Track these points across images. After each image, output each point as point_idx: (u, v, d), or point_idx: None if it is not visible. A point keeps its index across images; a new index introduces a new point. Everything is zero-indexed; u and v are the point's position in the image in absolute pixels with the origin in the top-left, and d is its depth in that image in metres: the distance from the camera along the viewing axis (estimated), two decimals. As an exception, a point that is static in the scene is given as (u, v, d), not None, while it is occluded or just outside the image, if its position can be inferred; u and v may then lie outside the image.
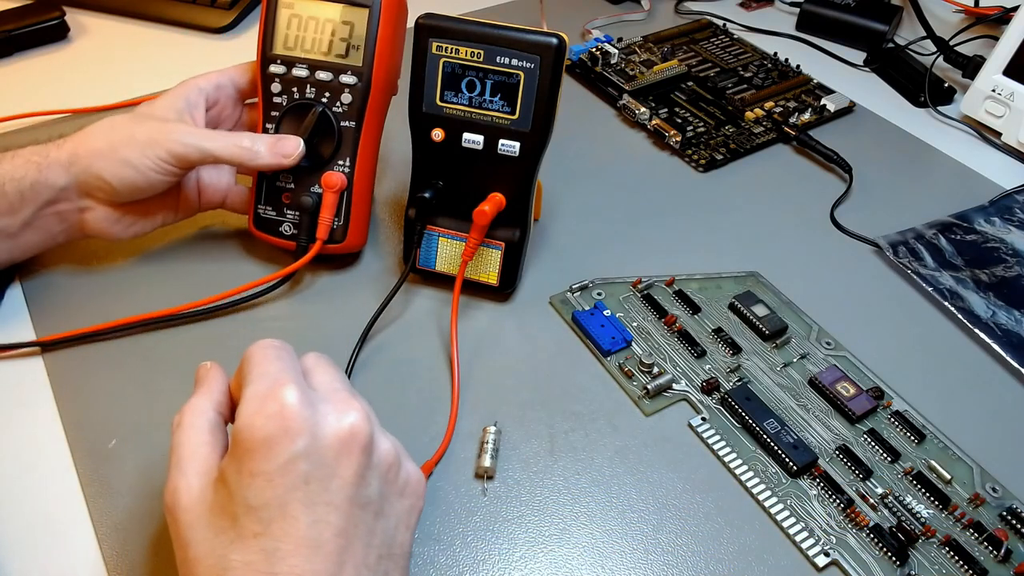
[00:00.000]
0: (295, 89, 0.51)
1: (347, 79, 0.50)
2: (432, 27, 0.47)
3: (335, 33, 0.50)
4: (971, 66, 0.72)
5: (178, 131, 0.47)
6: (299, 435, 0.30)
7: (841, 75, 0.76)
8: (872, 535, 0.40)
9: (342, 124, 0.50)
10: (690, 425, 0.46)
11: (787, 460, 0.43)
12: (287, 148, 0.49)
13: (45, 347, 0.48)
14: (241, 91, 0.53)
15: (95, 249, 0.54)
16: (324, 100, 0.50)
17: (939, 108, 0.72)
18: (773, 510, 0.42)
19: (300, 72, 0.50)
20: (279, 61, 0.51)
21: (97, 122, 0.48)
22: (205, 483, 0.32)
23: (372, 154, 0.52)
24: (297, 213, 0.51)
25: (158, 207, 0.51)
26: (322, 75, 0.50)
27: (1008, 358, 0.50)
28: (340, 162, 0.51)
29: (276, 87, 0.51)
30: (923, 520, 0.41)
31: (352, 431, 0.32)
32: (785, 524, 0.41)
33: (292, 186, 0.51)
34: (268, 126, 0.51)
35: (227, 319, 0.50)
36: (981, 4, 0.75)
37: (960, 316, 0.52)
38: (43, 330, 0.49)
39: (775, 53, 0.77)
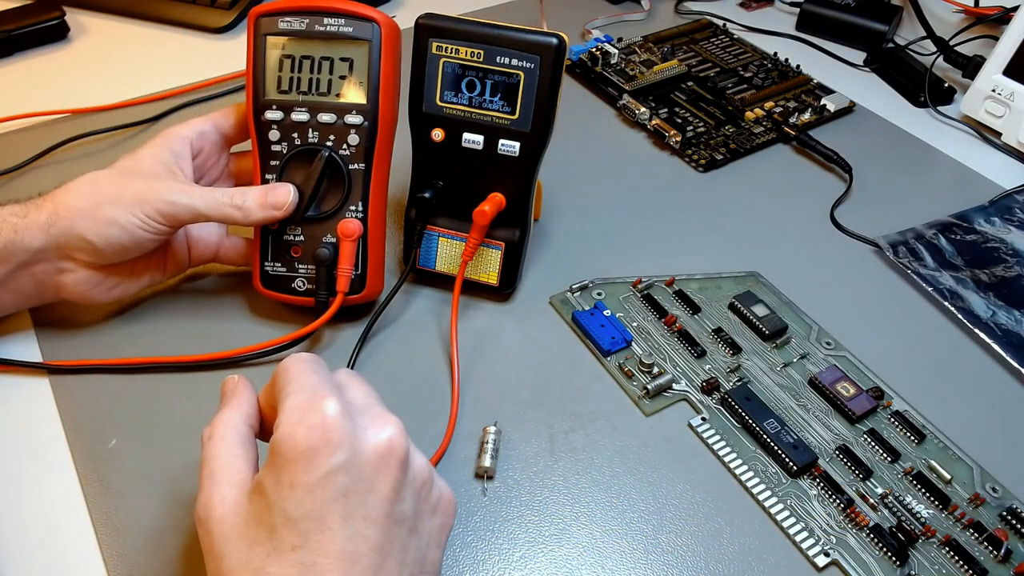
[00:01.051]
0: (296, 135, 0.47)
1: (352, 119, 0.47)
2: (432, 27, 0.47)
3: (334, 71, 0.47)
4: (971, 66, 0.72)
5: (166, 189, 0.44)
6: (340, 448, 0.30)
7: (841, 75, 0.76)
8: (872, 535, 0.40)
9: (351, 167, 0.47)
10: (690, 425, 0.46)
11: (787, 460, 0.43)
12: (278, 199, 0.46)
13: (52, 370, 0.47)
14: (226, 137, 0.50)
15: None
16: (329, 143, 0.47)
17: (939, 108, 0.72)
18: (773, 510, 0.42)
19: (300, 116, 0.47)
20: (275, 106, 0.47)
21: (78, 178, 0.45)
22: (239, 494, 0.31)
23: (384, 196, 0.49)
24: (310, 267, 0.48)
25: (143, 267, 0.48)
26: (325, 117, 0.47)
27: (1008, 358, 0.50)
28: (352, 208, 0.48)
29: (274, 134, 0.47)
30: (923, 520, 0.41)
31: (390, 446, 0.32)
32: (785, 524, 0.41)
33: (302, 238, 0.48)
34: (269, 176, 0.48)
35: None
36: (981, 4, 0.75)
37: (960, 316, 0.52)
38: (47, 346, 0.49)
39: (775, 53, 0.77)
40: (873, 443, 0.44)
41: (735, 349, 0.49)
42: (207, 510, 0.31)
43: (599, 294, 0.53)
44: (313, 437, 0.30)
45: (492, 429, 0.44)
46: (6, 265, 0.44)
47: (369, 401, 0.34)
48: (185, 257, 0.50)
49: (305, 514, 0.30)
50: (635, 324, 0.51)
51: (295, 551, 0.29)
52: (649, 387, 0.46)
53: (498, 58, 0.46)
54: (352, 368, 0.47)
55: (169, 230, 0.45)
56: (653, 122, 0.67)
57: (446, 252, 0.52)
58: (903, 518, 0.41)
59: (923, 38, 0.78)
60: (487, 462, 0.42)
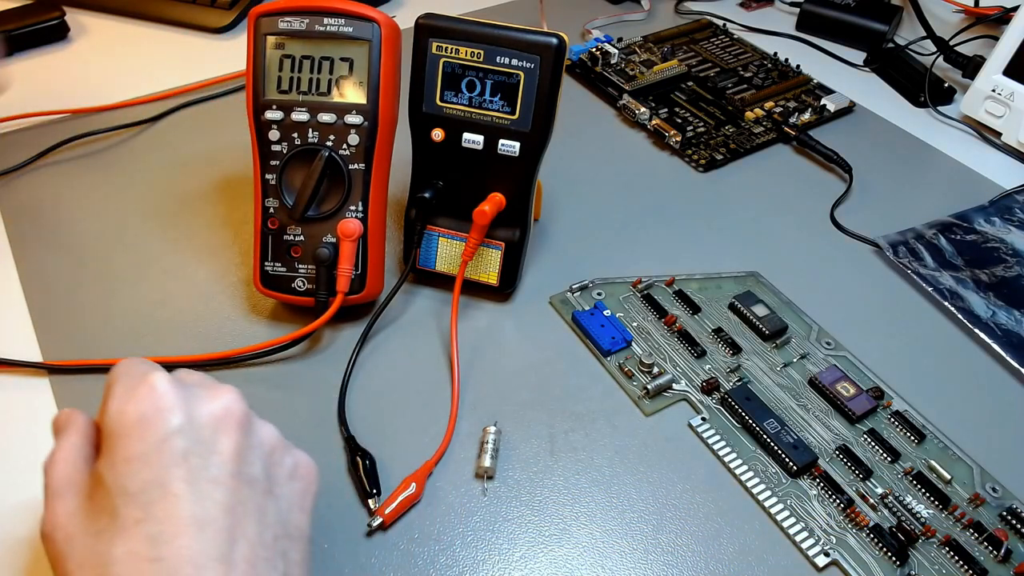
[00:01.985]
0: (296, 135, 0.47)
1: (352, 119, 0.47)
2: (432, 27, 0.47)
3: (334, 71, 0.47)
4: (971, 66, 0.72)
5: None
6: (172, 412, 0.29)
7: (841, 75, 0.76)
8: (872, 535, 0.40)
9: (351, 167, 0.47)
10: (690, 425, 0.46)
11: (787, 460, 0.43)
12: None
13: (52, 370, 0.47)
14: None
15: (108, 279, 0.54)
16: (329, 143, 0.47)
17: (939, 108, 0.72)
18: (773, 510, 0.42)
19: (300, 116, 0.47)
20: (275, 106, 0.47)
21: None
22: (81, 499, 0.30)
23: (384, 196, 0.49)
24: (310, 267, 0.48)
25: None
26: (325, 117, 0.47)
27: (1008, 358, 0.50)
28: (352, 208, 0.48)
29: (274, 134, 0.47)
30: (923, 520, 0.41)
31: (227, 409, 0.31)
32: (785, 524, 0.41)
33: (302, 238, 0.48)
34: (268, 176, 0.48)
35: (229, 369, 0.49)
36: (981, 4, 0.75)
37: (960, 316, 0.52)
38: (47, 346, 0.49)
39: (775, 53, 0.77)
40: (873, 443, 0.44)
41: (735, 349, 0.49)
42: (51, 525, 0.29)
43: (599, 294, 0.53)
44: (143, 407, 0.29)
45: (492, 429, 0.44)
46: None
47: (203, 380, 0.33)
48: None
49: (144, 484, 0.28)
50: (635, 324, 0.51)
51: (139, 524, 0.28)
52: (649, 387, 0.46)
53: (498, 58, 0.46)
54: (352, 368, 0.47)
55: None
56: (653, 122, 0.67)
57: (446, 252, 0.52)
58: (903, 518, 0.41)
59: (923, 38, 0.78)
60: (487, 462, 0.42)
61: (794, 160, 0.66)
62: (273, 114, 0.47)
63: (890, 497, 0.42)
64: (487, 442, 0.43)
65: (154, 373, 0.31)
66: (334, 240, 0.48)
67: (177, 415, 0.30)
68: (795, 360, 0.49)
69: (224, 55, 0.76)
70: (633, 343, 0.49)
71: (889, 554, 0.40)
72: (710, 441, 0.45)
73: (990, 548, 0.40)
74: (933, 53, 0.76)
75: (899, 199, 0.62)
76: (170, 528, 0.28)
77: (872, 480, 0.43)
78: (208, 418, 0.30)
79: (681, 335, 0.50)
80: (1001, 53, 0.67)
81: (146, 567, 0.27)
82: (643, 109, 0.68)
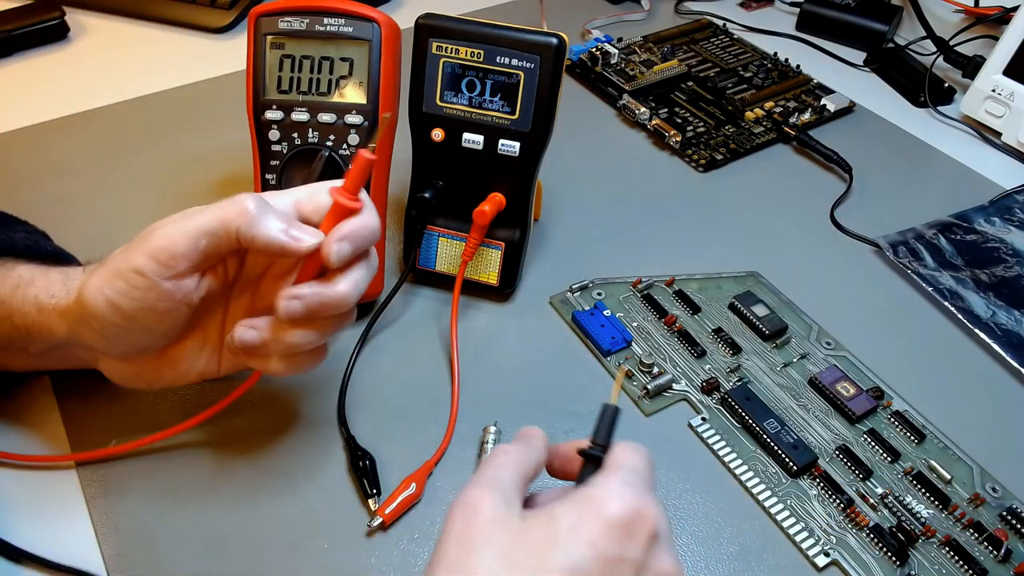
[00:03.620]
0: (296, 135, 0.47)
1: (352, 119, 0.47)
2: (432, 27, 0.47)
3: (334, 71, 0.47)
4: (971, 66, 0.72)
5: (161, 226, 0.35)
6: (640, 546, 0.29)
7: (841, 75, 0.76)
8: (872, 535, 0.40)
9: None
10: (690, 425, 0.46)
11: (787, 460, 0.43)
12: (297, 232, 0.36)
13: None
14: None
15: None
16: (329, 143, 0.47)
17: (939, 108, 0.72)
18: (773, 510, 0.42)
19: (300, 116, 0.47)
20: (275, 106, 0.47)
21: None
22: (507, 512, 0.29)
23: (384, 195, 0.50)
24: None
25: (186, 363, 0.40)
26: (325, 117, 0.47)
27: (1008, 358, 0.50)
28: None
29: (274, 134, 0.47)
30: (923, 520, 0.41)
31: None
32: (785, 524, 0.41)
33: None
34: (268, 176, 0.48)
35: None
36: (981, 4, 0.75)
37: (960, 316, 0.52)
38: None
39: (775, 53, 0.77)
40: (873, 443, 0.44)
41: (735, 349, 0.49)
42: (477, 503, 0.29)
43: (599, 294, 0.53)
44: (627, 516, 0.29)
45: (492, 429, 0.44)
46: (41, 342, 0.39)
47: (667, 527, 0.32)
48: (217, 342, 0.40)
49: (586, 572, 0.28)
50: (635, 324, 0.51)
51: None
52: (649, 387, 0.46)
53: (498, 58, 0.46)
54: (352, 368, 0.47)
55: (171, 284, 0.35)
56: (653, 122, 0.67)
57: (446, 252, 0.52)
58: (903, 518, 0.41)
59: (923, 38, 0.78)
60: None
61: (794, 160, 0.66)
62: (273, 114, 0.47)
63: (890, 497, 0.42)
64: (487, 442, 0.43)
65: (652, 497, 0.30)
66: None
67: (642, 547, 0.29)
68: (795, 360, 0.49)
69: (224, 55, 0.76)
70: (633, 343, 0.49)
71: (889, 554, 0.40)
72: (710, 441, 0.45)
73: (990, 548, 0.40)
74: (933, 53, 0.76)
75: (899, 199, 0.62)
76: None
77: (872, 480, 0.43)
78: (661, 571, 0.29)
79: (681, 335, 0.50)
80: (1001, 53, 0.67)
81: None
82: (643, 109, 0.68)
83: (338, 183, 0.37)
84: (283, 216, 0.36)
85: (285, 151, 0.48)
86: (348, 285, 0.36)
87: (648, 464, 0.32)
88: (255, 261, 0.39)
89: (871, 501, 0.42)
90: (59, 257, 0.44)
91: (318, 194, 0.37)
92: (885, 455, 0.44)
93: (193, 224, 0.35)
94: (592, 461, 0.32)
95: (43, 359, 0.41)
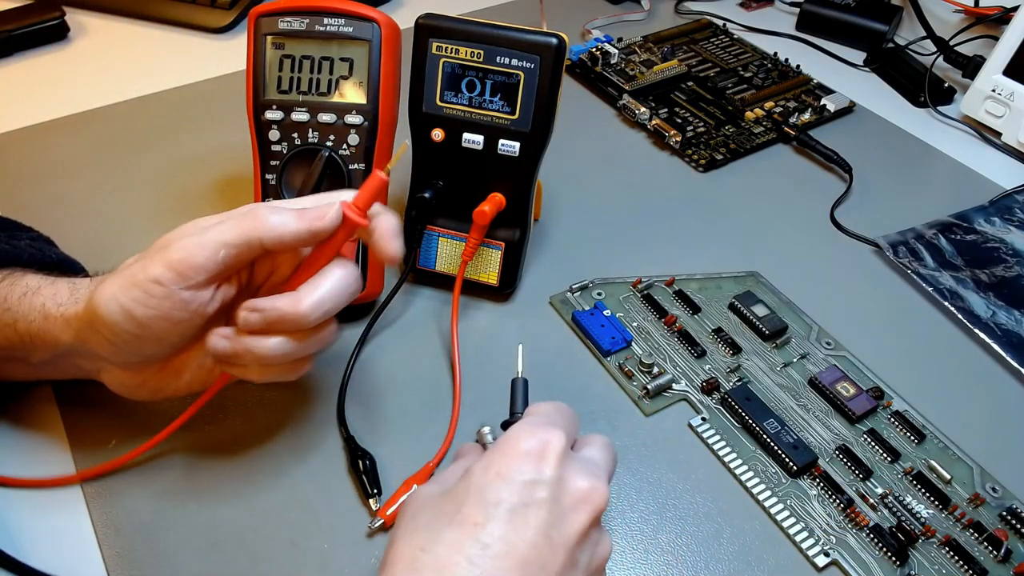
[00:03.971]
0: (296, 135, 0.47)
1: (352, 119, 0.47)
2: (432, 27, 0.47)
3: (334, 71, 0.47)
4: (971, 66, 0.72)
5: (180, 237, 0.36)
6: (551, 466, 0.32)
7: (841, 75, 0.76)
8: (872, 535, 0.40)
9: (351, 167, 0.47)
10: (690, 425, 0.46)
11: (787, 460, 0.43)
12: (320, 210, 0.36)
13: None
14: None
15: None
16: (329, 143, 0.47)
17: (939, 108, 0.72)
18: (773, 510, 0.42)
19: (300, 116, 0.47)
20: (275, 106, 0.47)
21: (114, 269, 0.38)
22: (440, 488, 0.33)
23: (384, 196, 0.50)
24: None
25: (190, 373, 0.40)
26: (325, 117, 0.47)
27: (1008, 358, 0.50)
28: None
29: (274, 134, 0.47)
30: (923, 520, 0.41)
31: (592, 492, 0.32)
32: (785, 524, 0.41)
33: None
34: (268, 176, 0.48)
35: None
36: (981, 4, 0.75)
37: (960, 316, 0.52)
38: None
39: (775, 53, 0.77)
40: (873, 443, 0.44)
41: (735, 349, 0.49)
42: (414, 494, 0.34)
43: (599, 294, 0.53)
44: (533, 444, 0.32)
45: (486, 430, 0.42)
46: (44, 351, 0.39)
47: (596, 463, 0.35)
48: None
49: (498, 500, 0.31)
50: (635, 324, 0.51)
51: (476, 527, 0.30)
52: (649, 387, 0.46)
53: (498, 58, 0.46)
54: (352, 368, 0.47)
55: (187, 295, 0.35)
56: (653, 122, 0.67)
57: (446, 252, 0.52)
58: (903, 518, 0.41)
59: (923, 38, 0.78)
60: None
61: (794, 160, 0.66)
62: (273, 114, 0.47)
63: (890, 497, 0.42)
64: (485, 444, 0.43)
65: (556, 431, 0.33)
66: None
67: (552, 470, 0.32)
68: (795, 360, 0.49)
69: (224, 55, 0.76)
70: (633, 343, 0.49)
71: (889, 554, 0.40)
72: (710, 441, 0.45)
73: (990, 548, 0.40)
74: (933, 53, 0.76)
75: (899, 199, 0.62)
76: (501, 549, 0.30)
77: (872, 480, 0.43)
78: (575, 489, 0.32)
79: (681, 335, 0.50)
80: (1001, 53, 0.67)
81: (462, 563, 0.29)
82: (643, 109, 0.68)
83: (350, 195, 0.37)
84: (296, 207, 0.37)
85: (285, 151, 0.48)
86: (310, 306, 0.36)
87: (556, 408, 0.36)
88: (261, 270, 0.40)
89: (871, 501, 0.42)
90: (64, 264, 0.44)
91: (323, 202, 0.38)
92: (885, 455, 0.44)
93: (213, 236, 0.35)
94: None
95: (44, 369, 0.41)
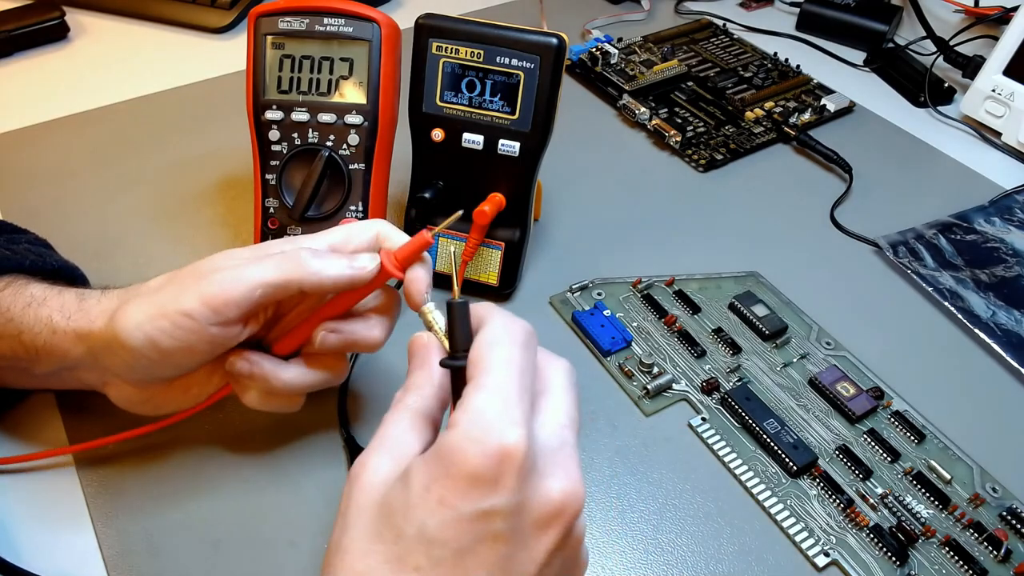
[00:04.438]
0: (296, 135, 0.47)
1: (352, 119, 0.47)
2: (432, 27, 0.47)
3: (334, 71, 0.47)
4: (971, 66, 0.72)
5: (216, 270, 0.35)
6: (508, 490, 0.26)
7: (841, 75, 0.76)
8: (872, 535, 0.40)
9: (351, 167, 0.47)
10: (690, 425, 0.46)
11: (787, 460, 0.43)
12: (361, 261, 0.36)
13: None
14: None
15: (109, 280, 0.54)
16: (329, 143, 0.47)
17: (939, 108, 0.72)
18: (773, 510, 0.42)
19: (300, 116, 0.47)
20: (275, 106, 0.47)
21: (142, 283, 0.38)
22: (392, 472, 0.28)
23: (384, 195, 0.50)
24: None
25: (198, 388, 0.40)
26: (325, 117, 0.47)
27: (1008, 358, 0.50)
28: (352, 208, 0.48)
29: (274, 134, 0.47)
30: (923, 520, 0.41)
31: (563, 506, 0.28)
32: (785, 524, 0.41)
33: None
34: (268, 176, 0.48)
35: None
36: (981, 4, 0.75)
37: (960, 316, 0.52)
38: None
39: (775, 53, 0.77)
40: (873, 443, 0.44)
41: (735, 349, 0.49)
42: (359, 470, 0.29)
43: (599, 294, 0.53)
44: (485, 464, 0.26)
45: (430, 307, 0.36)
46: (49, 364, 0.39)
47: (563, 435, 0.29)
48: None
49: (444, 540, 0.26)
50: (635, 324, 0.51)
51: (417, 572, 0.26)
52: (649, 387, 0.46)
53: (498, 58, 0.46)
54: (352, 368, 0.47)
55: (218, 331, 0.35)
56: (653, 122, 0.67)
57: (446, 252, 0.52)
58: (903, 518, 0.41)
59: (923, 38, 0.78)
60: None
61: (794, 160, 0.66)
62: (273, 114, 0.47)
63: (890, 497, 0.42)
64: (432, 327, 0.35)
65: (513, 428, 0.27)
66: None
67: (510, 495, 0.26)
68: (795, 360, 0.49)
69: (224, 55, 0.76)
70: (633, 343, 0.49)
71: (889, 554, 0.40)
72: (710, 441, 0.45)
73: (990, 548, 0.40)
74: (933, 53, 0.76)
75: (899, 199, 0.62)
76: None
77: (872, 480, 0.43)
78: (540, 511, 0.27)
79: (681, 335, 0.50)
80: (1001, 53, 0.67)
81: None
82: (643, 109, 0.68)
83: (384, 227, 0.38)
84: (328, 241, 0.37)
85: (285, 151, 0.48)
86: (385, 333, 0.39)
87: (512, 344, 0.29)
88: (288, 303, 0.40)
89: (871, 501, 0.42)
90: (65, 271, 0.44)
91: (355, 236, 0.38)
92: (885, 455, 0.44)
93: (252, 274, 0.35)
94: (457, 374, 0.30)
95: (48, 380, 0.41)
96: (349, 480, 0.29)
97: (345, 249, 0.38)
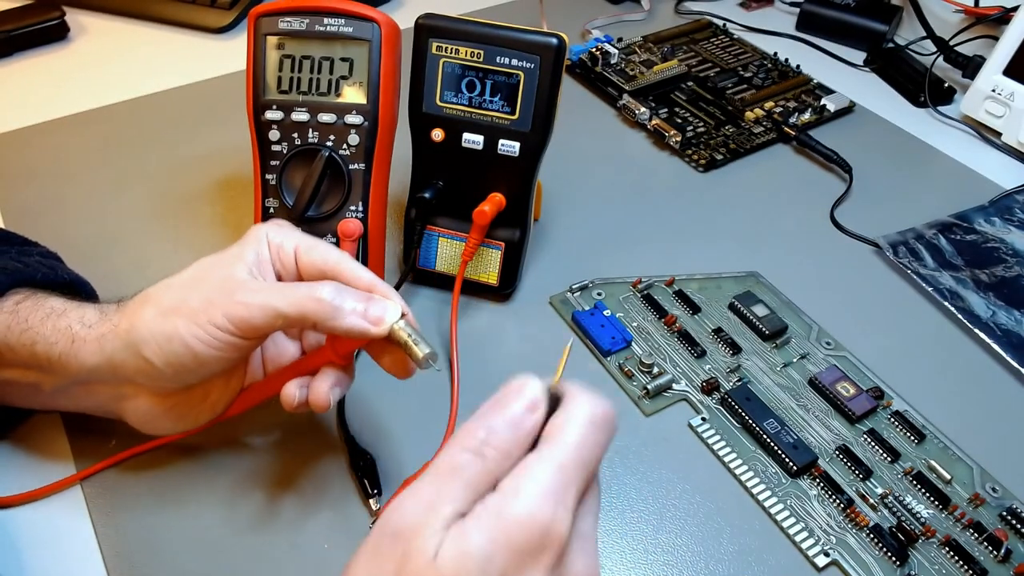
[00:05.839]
0: (296, 135, 0.47)
1: (352, 119, 0.47)
2: (432, 27, 0.47)
3: (334, 71, 0.47)
4: (971, 66, 0.72)
5: (239, 288, 0.36)
6: (544, 568, 0.26)
7: (841, 75, 0.76)
8: (872, 535, 0.40)
9: (351, 167, 0.47)
10: (690, 425, 0.46)
11: (787, 460, 0.43)
12: (376, 312, 0.37)
13: None
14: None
15: (108, 280, 0.54)
16: (329, 143, 0.47)
17: (939, 108, 0.72)
18: (773, 510, 0.42)
19: (300, 116, 0.47)
20: (275, 106, 0.47)
21: (156, 284, 0.38)
22: (446, 526, 0.27)
23: (384, 195, 0.49)
24: None
25: (217, 393, 0.40)
26: (325, 117, 0.47)
27: (1008, 358, 0.50)
28: (352, 208, 0.48)
29: (274, 134, 0.47)
30: (923, 520, 0.41)
31: None
32: (785, 524, 0.41)
33: None
34: (268, 176, 0.48)
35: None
36: (981, 4, 0.75)
37: (960, 316, 0.52)
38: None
39: (775, 53, 0.77)
40: (873, 443, 0.44)
41: (735, 349, 0.49)
42: (413, 530, 0.27)
43: (599, 294, 0.53)
44: (542, 534, 0.26)
45: (400, 324, 0.37)
46: (63, 376, 0.38)
47: (594, 525, 0.29)
48: (258, 376, 0.41)
49: None
50: (635, 324, 0.51)
51: None
52: (649, 387, 0.46)
53: (498, 58, 0.46)
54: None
55: (242, 342, 0.36)
56: (653, 122, 0.67)
57: (446, 252, 0.52)
58: (903, 518, 0.41)
59: (923, 38, 0.78)
60: (424, 349, 0.37)
61: (794, 160, 0.66)
62: (273, 114, 0.47)
63: (890, 497, 0.42)
64: (409, 333, 0.37)
65: (570, 516, 0.27)
66: (334, 240, 0.48)
67: (544, 572, 0.26)
68: (795, 360, 0.49)
69: (224, 55, 0.76)
70: (633, 343, 0.49)
71: (889, 554, 0.40)
72: (710, 441, 0.45)
73: (990, 548, 0.40)
74: (933, 53, 0.76)
75: (899, 199, 0.62)
76: None
77: (872, 480, 0.43)
78: None
79: (681, 335, 0.50)
80: (1001, 53, 0.67)
81: None
82: (643, 109, 0.68)
83: (402, 303, 0.38)
84: (359, 296, 0.37)
85: (285, 151, 0.48)
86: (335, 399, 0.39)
87: (593, 445, 0.28)
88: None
89: (871, 501, 0.42)
90: (76, 284, 0.44)
91: (315, 250, 0.39)
92: (885, 455, 0.44)
93: (274, 304, 0.36)
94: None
95: (56, 397, 0.40)
96: (396, 537, 0.27)
97: (303, 258, 0.39)
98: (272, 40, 0.47)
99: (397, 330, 0.37)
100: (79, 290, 0.44)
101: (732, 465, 0.44)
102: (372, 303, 0.37)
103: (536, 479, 0.27)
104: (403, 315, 0.37)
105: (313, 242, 0.39)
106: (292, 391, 0.38)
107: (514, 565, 0.26)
